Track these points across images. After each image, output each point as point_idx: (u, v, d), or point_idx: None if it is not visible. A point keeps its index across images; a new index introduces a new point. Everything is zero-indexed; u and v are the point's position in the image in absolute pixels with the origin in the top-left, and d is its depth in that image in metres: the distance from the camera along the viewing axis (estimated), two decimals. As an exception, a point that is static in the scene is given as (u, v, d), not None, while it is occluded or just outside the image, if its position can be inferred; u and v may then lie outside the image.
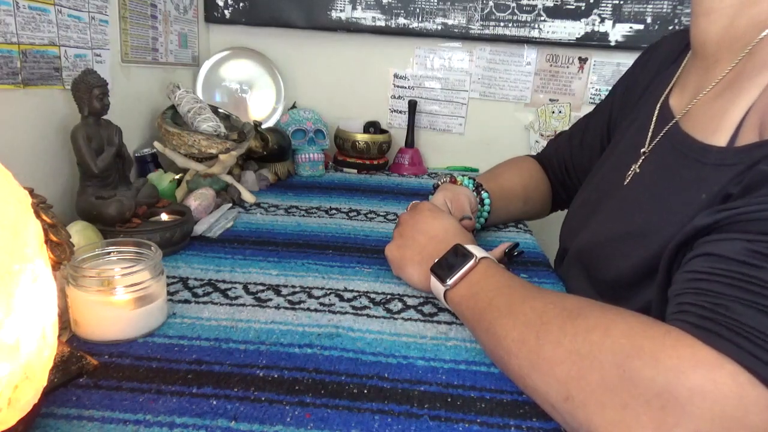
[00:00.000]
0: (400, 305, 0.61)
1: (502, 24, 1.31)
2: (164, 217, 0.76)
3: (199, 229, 0.79)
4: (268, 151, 1.13)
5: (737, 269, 0.35)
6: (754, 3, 0.50)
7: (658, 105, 0.63)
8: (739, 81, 0.49)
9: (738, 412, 0.31)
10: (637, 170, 0.60)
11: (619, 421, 0.34)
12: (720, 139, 0.48)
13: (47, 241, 0.44)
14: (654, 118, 0.62)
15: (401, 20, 1.33)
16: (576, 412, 0.37)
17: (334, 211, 0.96)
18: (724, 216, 0.39)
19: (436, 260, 0.58)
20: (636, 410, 0.34)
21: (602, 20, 1.28)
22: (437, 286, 0.57)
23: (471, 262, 0.55)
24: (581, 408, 0.37)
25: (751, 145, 0.44)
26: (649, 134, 0.62)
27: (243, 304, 0.59)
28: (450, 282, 0.55)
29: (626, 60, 1.31)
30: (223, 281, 0.64)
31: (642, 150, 0.61)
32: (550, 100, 1.39)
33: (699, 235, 0.41)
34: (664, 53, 0.71)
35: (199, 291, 0.61)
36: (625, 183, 0.62)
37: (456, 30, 1.33)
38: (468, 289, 0.53)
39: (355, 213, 0.96)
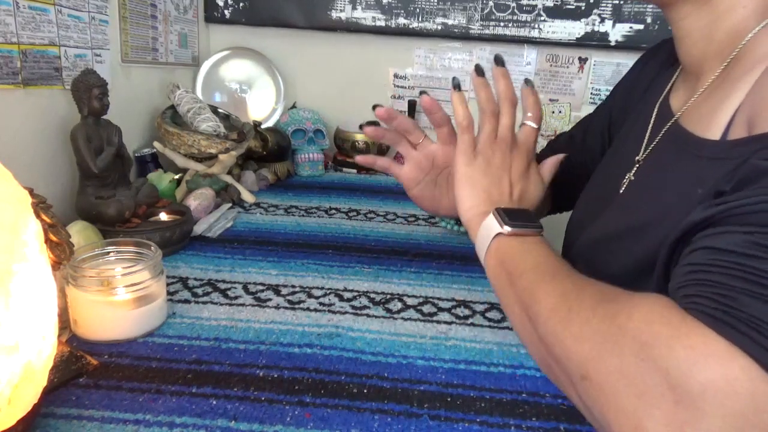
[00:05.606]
0: (399, 305, 0.61)
1: (502, 24, 1.31)
2: (164, 217, 0.76)
3: (198, 229, 0.79)
4: (268, 151, 1.13)
5: (741, 261, 0.35)
6: (726, 15, 0.52)
7: (658, 104, 0.64)
8: (728, 82, 0.51)
9: (749, 410, 0.31)
10: (638, 166, 0.61)
11: (632, 412, 0.34)
12: (714, 135, 0.49)
13: (47, 241, 0.44)
14: (653, 117, 0.63)
15: (401, 20, 1.33)
16: (591, 392, 0.37)
17: (333, 211, 0.96)
18: (720, 210, 0.39)
19: (502, 207, 0.57)
20: (650, 402, 0.33)
21: (602, 20, 1.28)
22: (490, 227, 0.55)
23: (537, 228, 0.54)
24: (597, 390, 0.37)
25: (741, 140, 0.44)
26: (648, 133, 0.62)
27: (243, 304, 0.59)
28: (510, 229, 0.53)
29: (626, 60, 1.31)
30: (223, 281, 0.64)
31: (636, 158, 0.62)
32: (550, 100, 1.38)
33: (695, 230, 0.41)
34: (663, 56, 0.72)
35: (199, 291, 0.61)
36: (626, 181, 0.62)
37: (456, 30, 1.33)
38: (520, 246, 0.53)
39: (354, 213, 0.96)
